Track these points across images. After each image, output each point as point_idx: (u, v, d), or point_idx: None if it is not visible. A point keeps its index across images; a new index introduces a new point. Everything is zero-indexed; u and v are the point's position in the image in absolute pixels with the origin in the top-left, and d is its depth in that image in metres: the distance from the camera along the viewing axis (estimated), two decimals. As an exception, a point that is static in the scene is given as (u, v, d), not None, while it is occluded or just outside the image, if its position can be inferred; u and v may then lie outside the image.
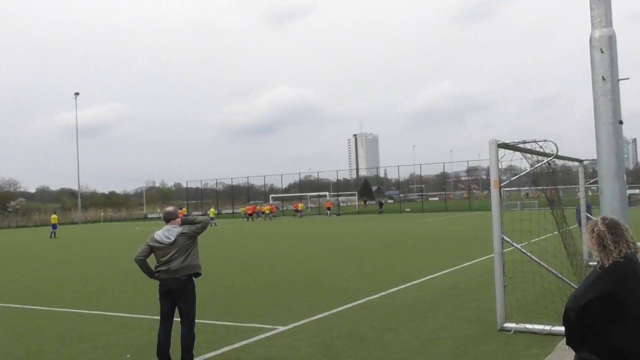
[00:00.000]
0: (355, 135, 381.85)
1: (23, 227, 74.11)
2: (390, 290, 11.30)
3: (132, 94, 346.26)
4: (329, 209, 64.04)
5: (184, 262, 6.47)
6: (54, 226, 42.09)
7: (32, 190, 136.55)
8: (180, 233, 6.53)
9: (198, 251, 6.69)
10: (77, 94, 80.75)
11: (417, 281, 12.39)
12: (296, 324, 8.66)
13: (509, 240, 7.99)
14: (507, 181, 9.74)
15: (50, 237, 40.67)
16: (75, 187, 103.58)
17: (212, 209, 55.87)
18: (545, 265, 8.28)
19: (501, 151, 7.99)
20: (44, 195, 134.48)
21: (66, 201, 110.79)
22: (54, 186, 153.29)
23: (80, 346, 7.83)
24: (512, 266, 9.06)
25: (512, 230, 8.34)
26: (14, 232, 58.83)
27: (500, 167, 8.00)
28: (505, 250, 8.00)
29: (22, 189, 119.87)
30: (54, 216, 44.29)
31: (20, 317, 10.20)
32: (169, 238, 6.48)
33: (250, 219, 56.97)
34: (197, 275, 6.66)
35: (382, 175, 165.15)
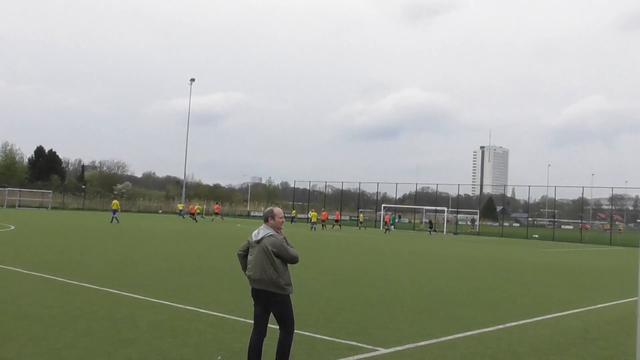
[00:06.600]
0: (482, 148, 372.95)
1: (126, 211, 78.77)
2: (508, 324, 10.89)
3: (251, 84, 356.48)
4: (386, 223, 59.83)
5: (262, 273, 6.49)
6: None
7: (139, 175, 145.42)
8: (269, 235, 6.56)
9: (286, 269, 6.60)
10: (192, 79, 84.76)
11: (541, 318, 11.86)
12: (399, 347, 8.55)
13: (657, 283, 7.43)
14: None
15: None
16: (181, 176, 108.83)
17: (313, 212, 55.26)
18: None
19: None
20: (149, 181, 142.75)
21: (170, 189, 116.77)
22: (161, 173, 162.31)
23: (172, 340, 8.16)
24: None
25: (662, 273, 7.77)
26: (117, 215, 62.41)
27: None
28: (651, 295, 7.46)
29: (129, 173, 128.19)
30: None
31: (117, 303, 10.81)
32: (257, 236, 6.61)
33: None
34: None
35: (509, 194, 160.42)
